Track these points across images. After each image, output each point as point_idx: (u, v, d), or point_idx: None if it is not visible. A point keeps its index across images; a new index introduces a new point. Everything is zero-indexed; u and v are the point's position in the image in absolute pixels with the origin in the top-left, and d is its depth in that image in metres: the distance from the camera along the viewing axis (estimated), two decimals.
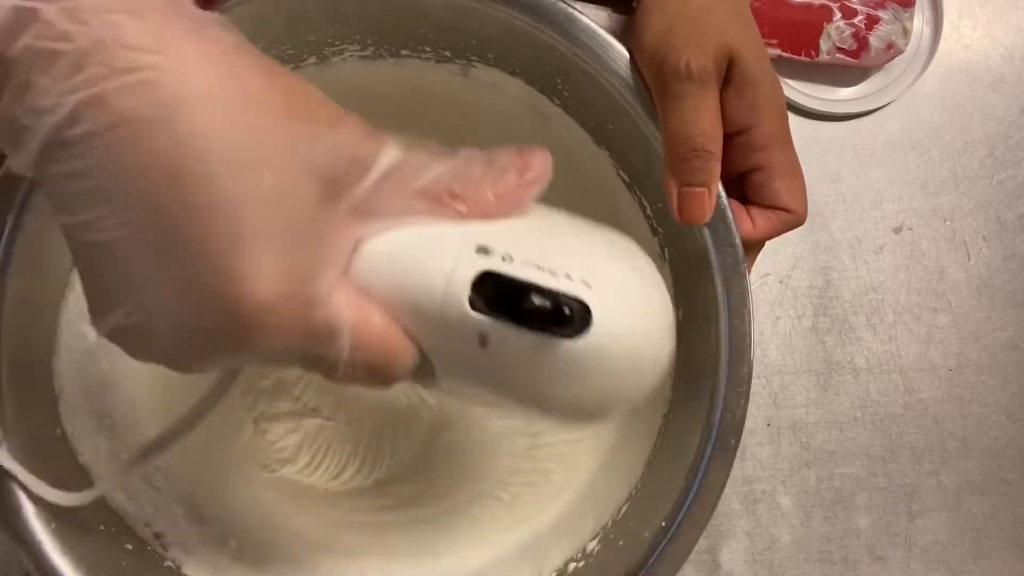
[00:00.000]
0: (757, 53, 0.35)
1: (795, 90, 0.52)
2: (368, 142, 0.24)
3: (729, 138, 0.35)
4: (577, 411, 0.28)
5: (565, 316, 0.24)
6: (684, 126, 0.34)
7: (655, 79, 0.35)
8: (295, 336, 0.22)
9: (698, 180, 0.34)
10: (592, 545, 0.41)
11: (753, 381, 0.51)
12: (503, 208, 0.26)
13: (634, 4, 0.38)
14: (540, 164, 0.27)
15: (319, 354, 0.24)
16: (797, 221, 0.36)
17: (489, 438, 0.46)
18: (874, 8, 0.50)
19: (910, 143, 0.53)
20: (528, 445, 0.46)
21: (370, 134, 0.24)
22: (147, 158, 0.20)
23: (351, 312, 0.23)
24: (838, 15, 0.50)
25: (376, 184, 0.24)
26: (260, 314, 0.21)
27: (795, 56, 0.50)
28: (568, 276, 0.25)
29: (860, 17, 0.50)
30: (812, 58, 0.50)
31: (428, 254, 0.25)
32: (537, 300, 0.24)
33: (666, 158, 0.35)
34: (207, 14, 0.22)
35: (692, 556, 0.49)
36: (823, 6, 0.50)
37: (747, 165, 0.36)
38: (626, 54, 0.37)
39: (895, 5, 0.50)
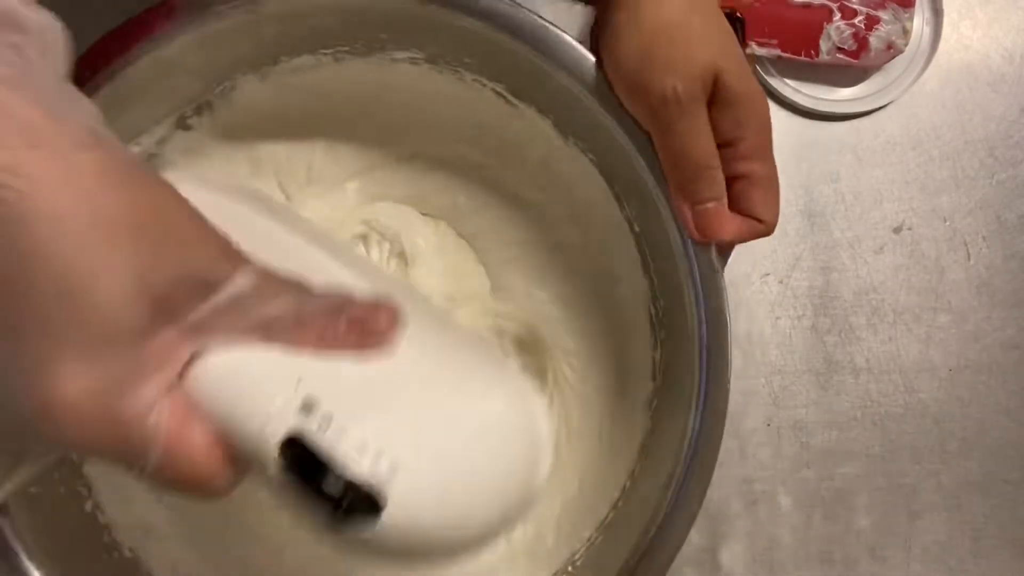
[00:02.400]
0: (739, 65, 0.35)
1: (795, 90, 0.52)
2: (220, 265, 0.24)
3: (721, 154, 0.36)
4: (382, 562, 0.28)
5: (348, 503, 0.24)
6: (685, 150, 0.35)
7: (640, 104, 0.35)
8: (102, 441, 0.23)
9: (708, 196, 0.35)
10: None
11: (753, 381, 0.51)
12: (342, 351, 0.26)
13: (595, 34, 0.37)
14: (389, 319, 0.27)
15: (127, 461, 0.24)
16: (767, 231, 0.37)
17: None
18: (874, 8, 0.50)
19: (910, 143, 0.53)
20: None
21: (226, 256, 0.24)
22: None
23: (168, 427, 0.24)
24: (838, 15, 0.50)
25: (218, 307, 0.24)
26: (62, 416, 0.22)
27: (795, 56, 0.50)
28: (377, 457, 0.24)
29: (860, 17, 0.50)
30: (812, 58, 0.50)
31: (258, 390, 0.25)
32: (328, 483, 0.24)
33: (671, 181, 0.36)
34: (86, 117, 0.23)
35: (692, 556, 0.50)
36: (823, 6, 0.50)
37: (728, 173, 0.36)
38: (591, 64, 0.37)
39: (895, 5, 0.50)
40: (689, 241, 0.37)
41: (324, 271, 0.28)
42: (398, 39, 0.41)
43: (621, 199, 0.42)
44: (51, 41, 0.24)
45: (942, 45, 0.52)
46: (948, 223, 0.53)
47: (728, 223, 0.36)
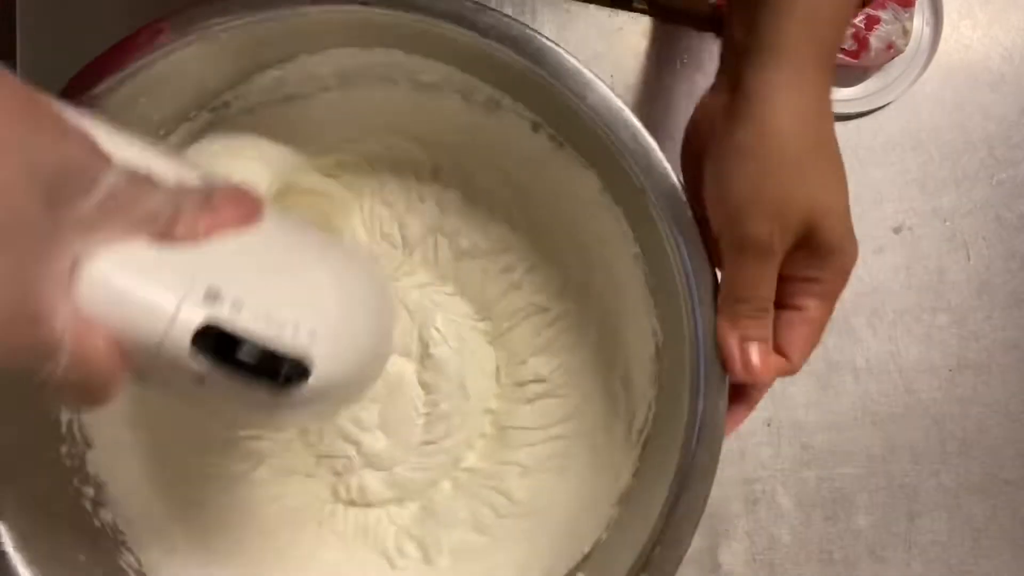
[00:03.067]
0: (839, 219, 0.35)
1: None
2: (94, 158, 0.24)
3: (786, 280, 0.35)
4: (300, 422, 0.32)
5: (283, 373, 0.25)
6: (751, 288, 0.35)
7: (732, 234, 0.34)
8: (11, 347, 0.22)
9: (759, 336, 0.35)
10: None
11: None
12: (218, 234, 0.27)
13: (700, 135, 0.36)
14: (253, 198, 0.28)
15: (33, 368, 0.23)
16: (790, 371, 0.37)
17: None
18: (874, 8, 0.50)
19: (910, 143, 0.53)
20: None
21: (96, 152, 0.24)
22: None
23: (73, 332, 0.23)
24: None
25: (101, 202, 0.24)
26: None
27: None
28: (296, 327, 0.26)
29: (860, 17, 0.50)
30: None
31: (153, 289, 0.25)
32: (258, 358, 0.25)
33: (725, 310, 0.36)
34: None
35: (692, 556, 0.49)
36: None
37: (788, 303, 0.36)
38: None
39: (895, 5, 0.50)
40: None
41: (172, 171, 0.28)
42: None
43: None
44: None
45: (942, 45, 0.52)
46: (948, 223, 0.53)
47: (770, 363, 0.35)
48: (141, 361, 0.25)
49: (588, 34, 0.52)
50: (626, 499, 0.41)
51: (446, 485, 0.47)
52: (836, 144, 0.35)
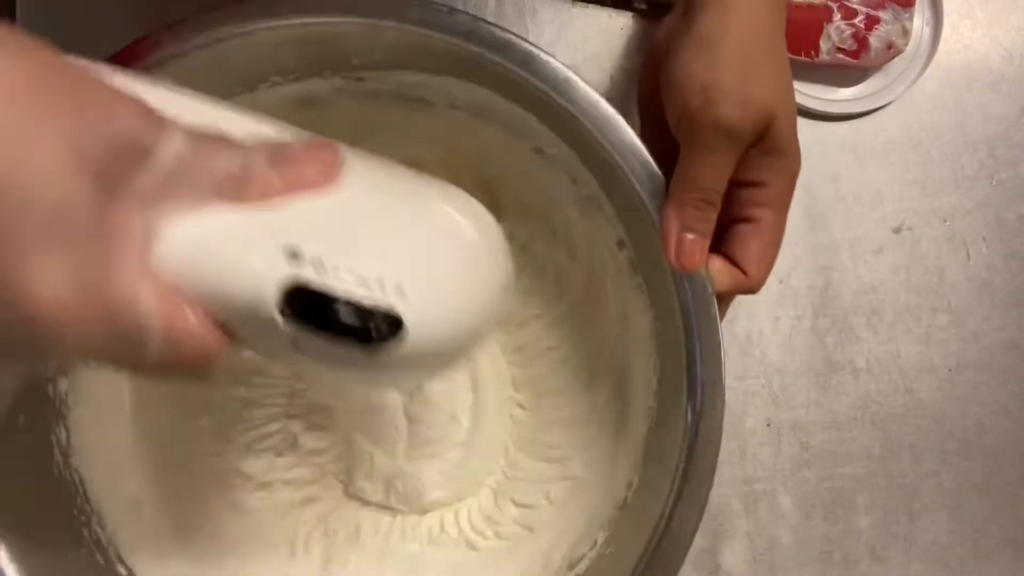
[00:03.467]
0: (790, 119, 0.35)
1: (795, 90, 0.51)
2: (147, 127, 0.23)
3: (736, 186, 0.36)
4: (399, 385, 0.30)
5: (374, 331, 0.24)
6: (704, 177, 0.35)
7: (690, 120, 0.35)
8: (96, 338, 0.22)
9: (699, 228, 0.35)
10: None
11: (753, 381, 0.51)
12: (297, 194, 0.25)
13: (665, 32, 0.37)
14: (330, 153, 0.27)
15: (126, 353, 0.23)
16: (750, 287, 0.37)
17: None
18: (874, 8, 0.50)
19: (910, 143, 0.53)
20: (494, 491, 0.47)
21: (149, 118, 0.23)
22: None
23: (159, 308, 0.23)
24: (838, 15, 0.50)
25: (161, 171, 0.23)
26: (50, 316, 0.21)
27: (795, 56, 0.50)
28: (381, 284, 0.25)
29: (860, 17, 0.50)
30: (812, 58, 0.50)
31: (236, 252, 0.24)
32: (347, 316, 0.24)
33: (672, 198, 0.36)
34: None
35: (692, 556, 0.49)
36: (823, 6, 0.50)
37: (740, 215, 0.36)
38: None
39: (895, 5, 0.50)
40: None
41: (245, 125, 0.27)
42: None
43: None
44: None
45: (942, 45, 0.52)
46: (948, 223, 0.53)
47: (703, 258, 0.36)
48: (239, 327, 0.25)
49: (588, 34, 0.52)
50: (626, 504, 0.42)
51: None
52: (787, 56, 0.36)
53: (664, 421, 0.40)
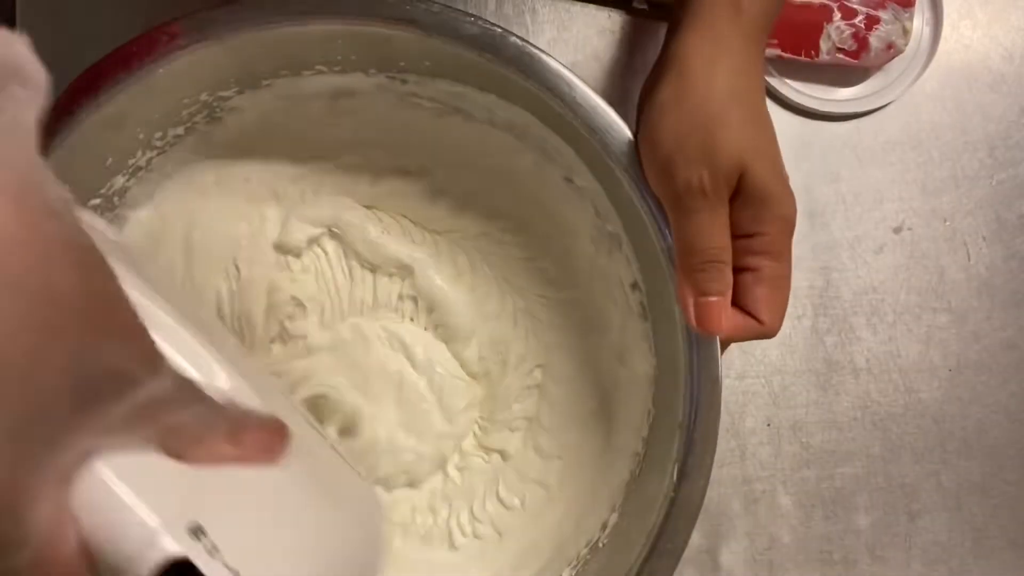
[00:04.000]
0: (769, 164, 0.35)
1: (795, 90, 0.52)
2: (145, 365, 0.23)
3: (733, 239, 0.36)
4: None
5: None
6: (699, 239, 0.35)
7: (666, 188, 0.36)
8: None
9: (713, 290, 0.35)
10: None
11: (753, 381, 0.51)
12: (236, 464, 0.26)
13: (640, 103, 0.37)
14: (280, 442, 0.28)
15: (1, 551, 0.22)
16: (766, 333, 0.37)
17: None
18: (874, 8, 0.50)
19: (910, 143, 0.53)
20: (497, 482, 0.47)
21: (152, 356, 0.23)
22: None
23: (47, 528, 0.22)
24: (838, 15, 0.50)
25: (131, 410, 0.23)
26: None
27: (795, 56, 0.50)
28: None
29: (860, 17, 0.50)
30: (812, 58, 0.50)
31: (144, 505, 0.24)
32: None
33: (680, 267, 0.36)
34: (52, 189, 0.21)
35: (692, 556, 0.50)
36: (823, 6, 0.50)
37: (740, 265, 0.36)
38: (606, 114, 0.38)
39: (895, 5, 0.50)
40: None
41: (198, 361, 0.28)
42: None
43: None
44: (43, 101, 0.22)
45: (942, 45, 0.52)
46: (948, 223, 0.53)
47: (727, 319, 0.36)
48: (103, 572, 0.24)
49: (588, 34, 0.52)
50: (597, 547, 0.42)
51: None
52: (764, 107, 0.37)
53: (650, 470, 0.40)
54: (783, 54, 0.50)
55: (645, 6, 0.52)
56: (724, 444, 0.50)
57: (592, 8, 0.52)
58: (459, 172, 0.46)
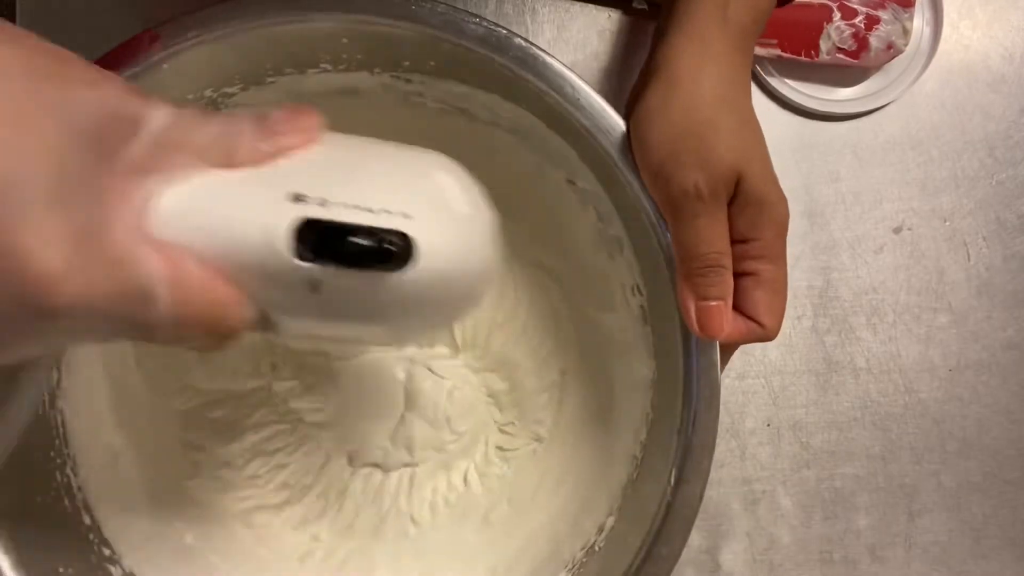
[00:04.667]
0: (762, 169, 0.36)
1: (795, 90, 0.52)
2: (133, 100, 0.23)
3: (734, 246, 0.36)
4: (419, 330, 0.29)
5: (390, 252, 0.25)
6: (698, 244, 0.35)
7: (663, 194, 0.36)
8: (102, 301, 0.22)
9: (714, 294, 0.36)
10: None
11: (753, 381, 0.51)
12: (284, 154, 0.26)
13: (628, 109, 0.38)
14: (310, 116, 0.27)
15: (137, 316, 0.23)
16: (766, 336, 0.37)
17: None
18: (874, 8, 0.50)
19: (910, 143, 0.53)
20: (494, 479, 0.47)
21: (134, 92, 0.24)
22: None
23: (162, 266, 0.23)
24: (838, 15, 0.50)
25: (152, 141, 0.23)
26: (53, 276, 0.21)
27: (795, 56, 0.50)
28: (387, 211, 0.25)
29: (860, 17, 0.50)
30: (812, 58, 0.50)
31: (239, 206, 0.24)
32: (361, 240, 0.24)
33: (680, 272, 0.36)
34: None
35: (692, 556, 0.50)
36: (823, 6, 0.50)
37: (738, 270, 0.37)
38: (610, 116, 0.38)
39: (895, 5, 0.50)
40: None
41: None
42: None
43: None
44: None
45: (942, 45, 0.52)
46: (948, 223, 0.53)
47: (728, 323, 0.36)
48: (251, 284, 0.25)
49: (588, 34, 0.52)
50: (593, 551, 0.42)
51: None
52: (752, 112, 0.37)
53: (647, 474, 0.40)
54: (783, 54, 0.50)
55: (645, 6, 0.52)
56: (724, 444, 0.50)
57: (592, 8, 0.52)
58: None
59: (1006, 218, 0.53)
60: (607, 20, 0.52)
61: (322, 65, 0.41)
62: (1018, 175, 0.53)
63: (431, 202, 0.27)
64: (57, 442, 0.40)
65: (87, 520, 0.40)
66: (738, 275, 0.36)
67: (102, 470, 0.41)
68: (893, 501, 0.51)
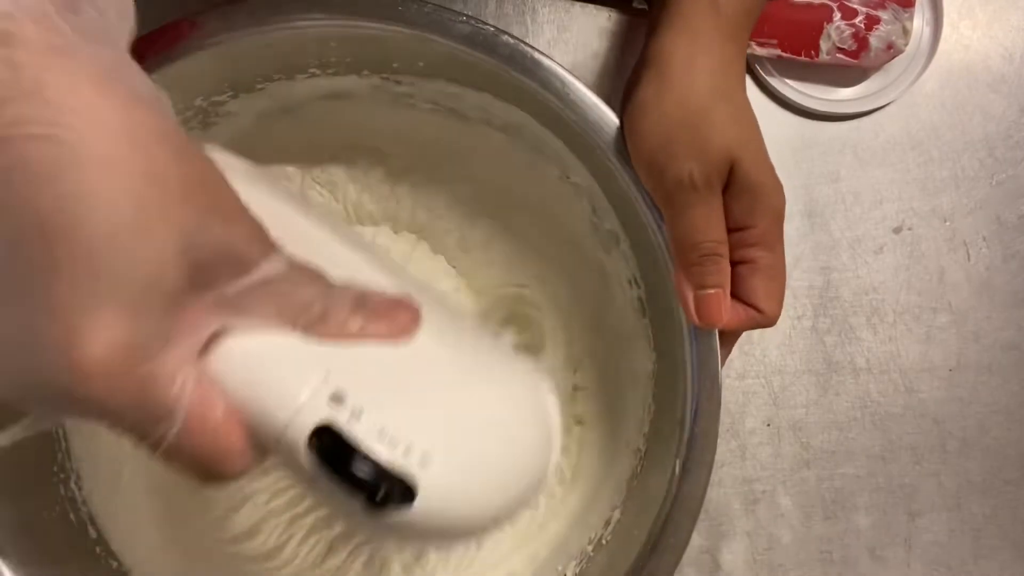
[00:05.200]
0: (757, 156, 0.36)
1: (795, 90, 0.52)
2: (255, 246, 0.24)
3: (730, 234, 0.36)
4: (411, 545, 0.30)
5: (383, 492, 0.25)
6: (694, 233, 0.35)
7: (657, 185, 0.36)
8: (126, 404, 0.22)
9: (712, 283, 0.36)
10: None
11: (753, 381, 0.51)
12: (363, 347, 0.26)
13: (622, 103, 0.38)
14: (409, 314, 0.28)
15: (147, 428, 0.23)
16: (766, 321, 0.37)
17: None
18: (874, 8, 0.50)
19: (910, 143, 0.53)
20: None
21: (260, 238, 0.24)
22: (26, 204, 0.20)
23: (192, 397, 0.23)
24: (838, 15, 0.50)
25: (247, 288, 0.24)
26: (91, 368, 0.21)
27: (795, 56, 0.50)
28: (408, 450, 0.25)
29: (860, 17, 0.50)
30: (812, 58, 0.50)
31: (285, 377, 0.25)
32: (362, 473, 0.24)
33: (678, 263, 0.36)
34: (144, 87, 0.22)
35: (692, 556, 0.49)
36: (823, 6, 0.50)
37: (735, 258, 0.37)
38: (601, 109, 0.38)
39: (895, 5, 0.50)
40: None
41: (345, 264, 0.28)
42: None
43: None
44: (126, 8, 0.24)
45: (942, 45, 0.52)
46: (948, 223, 0.53)
47: (727, 311, 0.36)
48: (265, 441, 0.25)
49: (588, 34, 0.52)
50: (601, 545, 0.42)
51: None
52: (747, 102, 0.37)
53: (651, 467, 0.40)
54: (783, 54, 0.50)
55: (645, 6, 0.52)
56: (724, 444, 0.50)
57: (592, 8, 0.52)
58: (456, 173, 0.46)
59: (1006, 218, 0.53)
60: (607, 20, 0.52)
61: (311, 70, 0.40)
62: (1018, 175, 0.53)
63: (469, 453, 0.27)
64: (59, 456, 0.40)
65: (93, 533, 0.40)
66: (735, 263, 0.36)
67: (106, 482, 0.41)
68: (893, 501, 0.51)
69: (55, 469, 0.39)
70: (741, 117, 0.36)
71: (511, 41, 0.37)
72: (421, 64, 0.40)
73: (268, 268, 0.24)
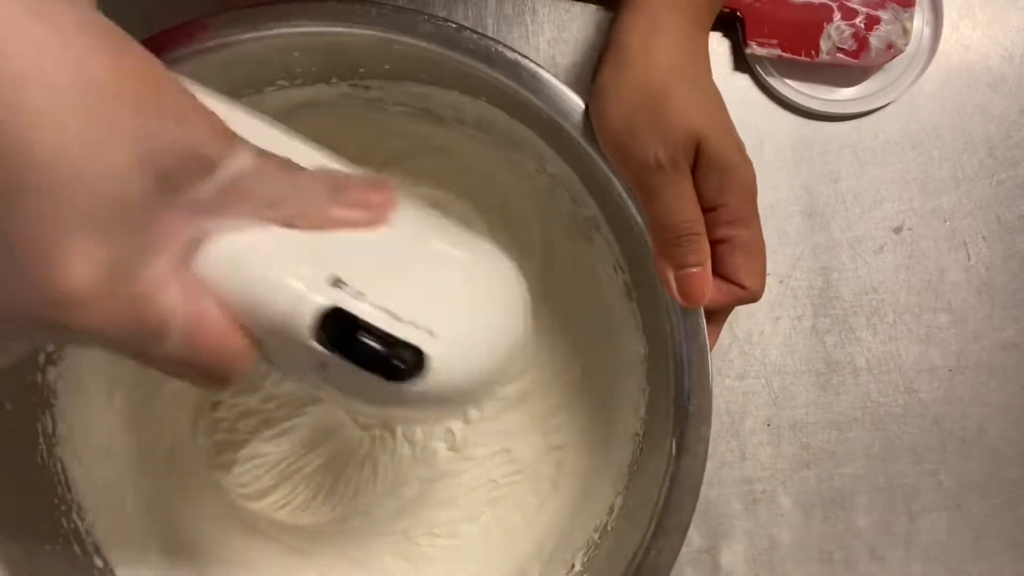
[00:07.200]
0: (722, 132, 0.35)
1: (795, 90, 0.52)
2: (217, 143, 0.23)
3: (704, 215, 0.36)
4: (421, 422, 0.31)
5: (398, 365, 0.25)
6: (668, 214, 0.35)
7: (625, 168, 0.36)
8: (118, 324, 0.22)
9: (691, 262, 0.36)
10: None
11: (753, 381, 0.51)
12: (348, 228, 0.26)
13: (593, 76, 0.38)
14: (385, 194, 0.28)
15: (145, 345, 0.23)
16: (750, 297, 0.37)
17: (456, 470, 0.47)
18: (874, 8, 0.50)
19: (910, 143, 0.53)
20: (499, 472, 0.47)
21: (221, 135, 0.24)
22: None
23: (185, 307, 0.23)
24: (838, 15, 0.50)
25: (223, 186, 0.23)
26: (76, 298, 0.21)
27: (795, 56, 0.50)
28: (414, 323, 0.26)
29: (860, 17, 0.50)
30: (812, 58, 0.50)
31: (279, 270, 0.25)
32: (374, 345, 0.25)
33: (656, 245, 0.36)
34: None
35: (692, 556, 0.49)
36: (823, 6, 0.50)
37: (712, 238, 0.37)
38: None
39: (895, 5, 0.50)
40: None
41: (310, 158, 0.28)
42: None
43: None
44: None
45: (942, 45, 0.52)
46: (948, 223, 0.53)
47: (709, 288, 0.36)
48: (265, 340, 0.25)
49: (588, 34, 0.52)
50: (606, 531, 0.42)
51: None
52: (710, 79, 0.37)
53: (650, 449, 0.40)
54: (783, 54, 0.50)
55: None
56: (724, 444, 0.50)
57: (592, 8, 0.52)
58: (434, 173, 0.46)
59: (1006, 218, 0.53)
60: (608, 20, 0.52)
61: (279, 82, 0.40)
62: (1018, 175, 0.53)
63: (465, 320, 0.28)
64: (59, 489, 0.39)
65: (99, 563, 0.40)
66: (713, 243, 0.36)
67: (109, 511, 0.41)
68: (893, 501, 0.51)
69: (55, 502, 0.39)
70: (703, 95, 0.36)
71: (474, 36, 0.37)
72: (387, 66, 0.39)
73: (235, 164, 0.23)
